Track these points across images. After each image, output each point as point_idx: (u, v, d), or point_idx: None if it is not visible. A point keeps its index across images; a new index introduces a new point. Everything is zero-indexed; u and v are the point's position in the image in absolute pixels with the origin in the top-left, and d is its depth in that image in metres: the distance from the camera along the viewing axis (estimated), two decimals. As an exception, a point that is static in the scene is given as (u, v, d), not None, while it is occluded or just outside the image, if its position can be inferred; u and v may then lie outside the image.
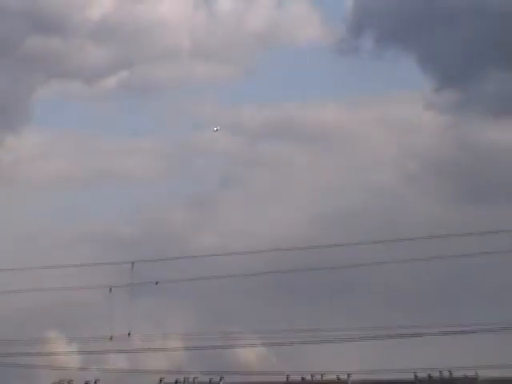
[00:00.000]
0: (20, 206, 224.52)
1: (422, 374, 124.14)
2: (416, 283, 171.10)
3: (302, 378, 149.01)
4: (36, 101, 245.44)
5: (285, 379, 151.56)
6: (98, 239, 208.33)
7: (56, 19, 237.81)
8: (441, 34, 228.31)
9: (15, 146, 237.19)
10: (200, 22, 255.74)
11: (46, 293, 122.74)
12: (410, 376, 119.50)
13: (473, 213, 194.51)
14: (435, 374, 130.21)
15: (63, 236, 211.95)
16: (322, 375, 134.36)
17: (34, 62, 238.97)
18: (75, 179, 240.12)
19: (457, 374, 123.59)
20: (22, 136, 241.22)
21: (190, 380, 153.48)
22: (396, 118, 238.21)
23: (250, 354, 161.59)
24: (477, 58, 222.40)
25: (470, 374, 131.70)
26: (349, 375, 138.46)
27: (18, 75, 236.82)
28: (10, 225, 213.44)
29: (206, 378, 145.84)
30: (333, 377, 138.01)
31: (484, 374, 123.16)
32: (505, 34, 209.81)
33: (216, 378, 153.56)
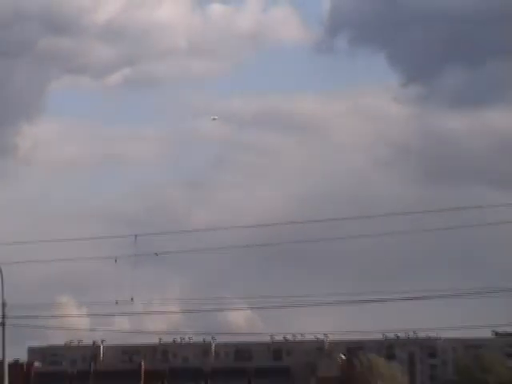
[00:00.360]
0: (36, 185, 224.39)
1: (390, 335, 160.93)
2: (385, 255, 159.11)
3: (285, 338, 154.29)
4: (50, 93, 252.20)
5: (269, 339, 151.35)
6: (105, 215, 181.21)
7: (67, 22, 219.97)
8: (406, 35, 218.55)
9: (31, 133, 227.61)
10: (195, 24, 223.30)
11: (59, 263, 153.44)
12: (380, 336, 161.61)
13: (434, 191, 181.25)
14: (402, 335, 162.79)
15: (74, 212, 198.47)
16: (302, 335, 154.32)
17: (48, 59, 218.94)
18: (85, 162, 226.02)
19: (421, 334, 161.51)
20: (38, 124, 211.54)
21: (186, 340, 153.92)
22: (367, 108, 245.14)
23: (239, 317, 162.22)
24: (437, 56, 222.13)
25: (432, 334, 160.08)
26: (326, 336, 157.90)
27: (34, 71, 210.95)
28: (28, 202, 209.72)
29: (200, 338, 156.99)
30: (311, 337, 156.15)
31: (444, 334, 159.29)
32: (461, 34, 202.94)
33: (208, 338, 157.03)
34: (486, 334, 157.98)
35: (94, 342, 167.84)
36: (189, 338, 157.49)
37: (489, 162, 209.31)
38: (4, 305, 46.82)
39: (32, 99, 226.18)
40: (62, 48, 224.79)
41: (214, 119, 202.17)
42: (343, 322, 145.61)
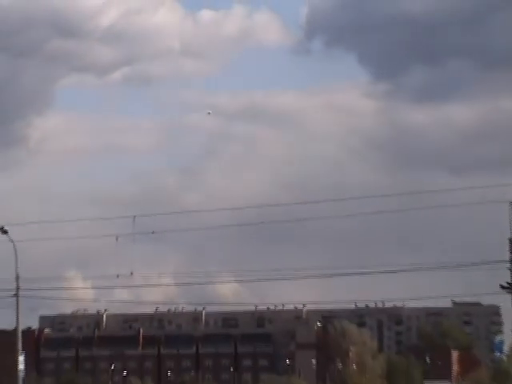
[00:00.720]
0: (46, 172, 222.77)
1: (360, 305, 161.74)
2: (358, 233, 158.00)
3: (267, 308, 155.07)
4: (57, 90, 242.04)
5: (253, 308, 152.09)
6: (106, 198, 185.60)
7: (73, 27, 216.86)
8: (375, 37, 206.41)
9: (41, 126, 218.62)
10: (187, 28, 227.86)
11: (66, 241, 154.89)
12: (352, 306, 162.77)
13: (400, 177, 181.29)
14: (371, 305, 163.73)
15: (79, 195, 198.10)
16: (283, 305, 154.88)
17: (56, 59, 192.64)
18: (89, 151, 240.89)
19: (388, 304, 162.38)
20: (47, 118, 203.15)
21: (179, 309, 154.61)
22: (340, 103, 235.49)
23: (226, 289, 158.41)
24: (402, 56, 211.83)
25: (398, 304, 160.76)
26: (303, 305, 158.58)
27: (43, 70, 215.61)
28: (39, 187, 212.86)
29: (192, 308, 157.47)
30: (291, 307, 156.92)
31: (409, 304, 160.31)
32: (424, 37, 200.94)
33: (199, 308, 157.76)
34: (446, 303, 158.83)
35: (97, 311, 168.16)
36: (182, 307, 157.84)
37: (448, 150, 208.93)
38: (18, 278, 46.73)
39: (41, 95, 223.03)
40: (69, 49, 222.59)
41: (209, 113, 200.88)
42: (319, 293, 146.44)
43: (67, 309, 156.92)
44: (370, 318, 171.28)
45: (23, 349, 49.90)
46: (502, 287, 44.25)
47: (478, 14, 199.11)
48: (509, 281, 43.41)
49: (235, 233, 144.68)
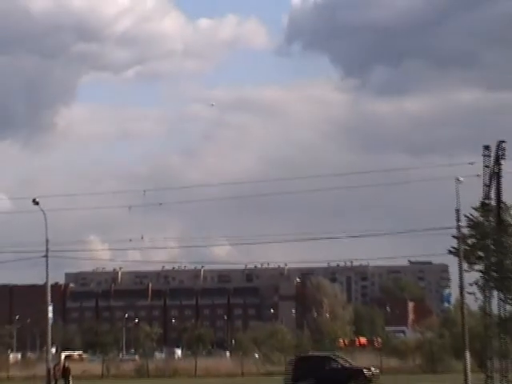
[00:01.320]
0: (71, 153, 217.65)
1: (333, 264, 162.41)
2: (331, 204, 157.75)
3: (255, 266, 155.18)
4: (80, 85, 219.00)
5: (243, 266, 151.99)
6: (121, 175, 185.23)
7: (93, 32, 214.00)
8: (345, 41, 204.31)
9: (67, 115, 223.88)
10: (188, 33, 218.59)
11: (88, 210, 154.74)
12: (325, 265, 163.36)
13: (365, 157, 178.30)
14: (341, 264, 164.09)
15: (99, 172, 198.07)
16: (268, 264, 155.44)
17: (80, 59, 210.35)
18: (106, 136, 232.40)
19: (355, 263, 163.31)
20: (72, 108, 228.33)
21: (182, 267, 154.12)
22: (315, 96, 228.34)
23: (222, 251, 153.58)
24: (368, 56, 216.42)
25: (364, 263, 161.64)
26: (286, 264, 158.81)
27: (68, 68, 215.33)
28: (65, 165, 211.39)
29: (192, 266, 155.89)
30: (275, 265, 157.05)
31: (373, 263, 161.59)
32: (386, 40, 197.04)
33: (199, 266, 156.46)
34: (403, 262, 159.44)
35: (113, 269, 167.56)
36: (184, 266, 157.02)
37: (405, 135, 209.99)
38: (47, 241, 47.13)
39: (67, 89, 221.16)
40: (90, 51, 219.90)
41: (212, 105, 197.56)
42: (299, 253, 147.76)
43: (88, 267, 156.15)
44: (340, 275, 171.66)
45: (52, 301, 50.21)
46: (450, 251, 44.16)
47: (432, 21, 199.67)
48: (455, 244, 43.81)
49: (229, 203, 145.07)
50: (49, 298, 49.29)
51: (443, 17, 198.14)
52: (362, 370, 43.37)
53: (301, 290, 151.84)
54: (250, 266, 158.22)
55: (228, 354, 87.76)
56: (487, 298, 42.67)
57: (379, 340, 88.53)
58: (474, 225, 43.99)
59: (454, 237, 43.54)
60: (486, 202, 40.77)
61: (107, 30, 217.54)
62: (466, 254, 43.58)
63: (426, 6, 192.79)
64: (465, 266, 43.41)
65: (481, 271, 42.90)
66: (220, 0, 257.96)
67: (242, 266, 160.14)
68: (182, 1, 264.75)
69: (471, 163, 40.72)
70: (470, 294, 44.71)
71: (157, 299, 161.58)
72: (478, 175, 40.14)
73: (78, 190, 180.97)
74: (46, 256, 48.48)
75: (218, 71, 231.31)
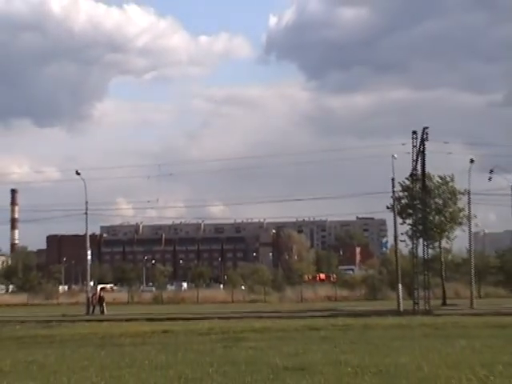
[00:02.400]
0: (104, 137, 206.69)
1: (300, 219, 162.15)
2: (299, 175, 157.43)
3: (242, 221, 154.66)
4: (110, 85, 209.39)
5: (233, 222, 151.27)
6: (142, 153, 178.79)
7: (120, 45, 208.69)
8: (309, 53, 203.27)
9: (100, 108, 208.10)
10: (191, 47, 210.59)
11: (117, 179, 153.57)
12: (294, 220, 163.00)
13: (324, 140, 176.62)
14: (307, 219, 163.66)
15: (125, 151, 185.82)
16: (252, 219, 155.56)
17: (110, 66, 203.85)
18: (130, 124, 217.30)
19: (317, 218, 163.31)
20: (104, 103, 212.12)
21: (187, 222, 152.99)
22: (287, 94, 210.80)
23: (218, 210, 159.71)
24: (325, 64, 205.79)
25: (323, 218, 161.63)
26: (264, 219, 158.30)
27: (101, 73, 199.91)
28: (99, 146, 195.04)
29: (195, 221, 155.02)
30: (257, 220, 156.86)
31: (330, 218, 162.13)
32: (339, 52, 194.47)
33: (200, 221, 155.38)
34: (353, 218, 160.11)
35: (136, 223, 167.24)
36: (189, 220, 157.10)
37: (355, 123, 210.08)
38: (86, 202, 47.77)
39: (100, 88, 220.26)
40: (117, 60, 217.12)
41: (216, 100, 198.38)
42: (275, 211, 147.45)
43: (117, 221, 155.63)
44: (305, 228, 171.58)
45: (90, 247, 50.57)
46: (387, 207, 45.08)
47: (373, 38, 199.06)
48: (389, 204, 44.23)
49: (223, 174, 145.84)
50: (88, 245, 49.46)
51: (382, 34, 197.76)
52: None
53: (276, 239, 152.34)
54: (238, 220, 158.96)
55: (222, 286, 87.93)
56: (414, 245, 43.57)
57: (334, 276, 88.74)
58: (405, 189, 44.76)
59: (391, 197, 44.09)
60: (414, 172, 41.54)
61: (130, 44, 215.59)
62: (399, 211, 44.45)
63: (369, 26, 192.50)
64: (398, 220, 44.21)
65: (410, 224, 44.29)
66: (215, 21, 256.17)
67: (232, 221, 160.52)
68: (186, 22, 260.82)
69: (403, 144, 41.14)
70: (402, 241, 45.51)
71: (168, 246, 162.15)
72: (408, 153, 40.55)
73: (108, 164, 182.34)
74: (86, 213, 48.66)
75: (213, 75, 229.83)
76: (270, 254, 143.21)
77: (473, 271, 43.02)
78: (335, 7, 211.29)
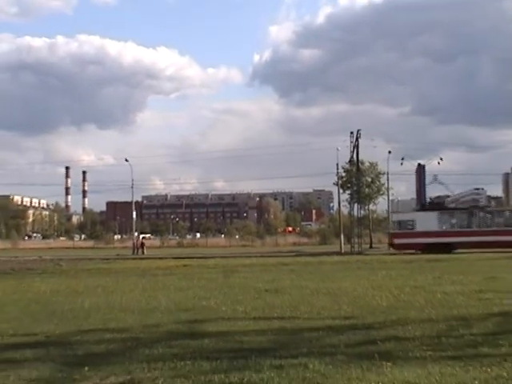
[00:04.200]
0: (144, 135, 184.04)
1: (275, 191, 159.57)
2: (274, 162, 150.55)
3: (236, 192, 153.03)
4: (148, 101, 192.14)
5: (230, 193, 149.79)
6: (169, 145, 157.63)
7: (154, 74, 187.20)
8: (280, 80, 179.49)
9: (141, 116, 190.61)
10: (202, 76, 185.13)
11: (153, 164, 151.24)
12: (271, 191, 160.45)
13: (291, 138, 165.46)
14: (280, 190, 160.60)
15: (158, 145, 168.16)
16: (243, 191, 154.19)
17: (148, 88, 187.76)
18: (161, 126, 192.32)
19: (287, 190, 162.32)
20: (143, 113, 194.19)
21: (200, 193, 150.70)
22: (265, 107, 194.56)
23: (220, 185, 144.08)
24: (291, 87, 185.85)
25: (291, 190, 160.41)
26: (251, 191, 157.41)
27: (142, 93, 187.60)
28: (141, 142, 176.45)
29: (205, 192, 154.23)
30: (246, 192, 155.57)
31: (295, 191, 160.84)
32: (300, 78, 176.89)
33: (208, 192, 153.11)
34: (311, 190, 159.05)
35: (165, 194, 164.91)
36: (200, 192, 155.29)
37: (312, 127, 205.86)
38: (132, 180, 47.94)
39: (142, 103, 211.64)
40: (153, 84, 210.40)
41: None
42: (259, 185, 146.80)
43: (152, 192, 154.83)
44: (279, 196, 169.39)
45: (134, 209, 49.75)
46: (334, 183, 44.63)
47: (323, 67, 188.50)
48: (335, 181, 43.81)
49: (223, 160, 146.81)
50: (133, 208, 49.22)
51: (328, 66, 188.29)
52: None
53: (259, 204, 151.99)
54: (234, 192, 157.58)
55: (223, 236, 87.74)
56: (351, 208, 43.63)
57: (298, 229, 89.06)
58: (346, 171, 43.95)
59: (336, 176, 43.68)
60: (351, 160, 41.38)
61: (161, 73, 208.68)
62: (341, 185, 43.95)
63: (320, 61, 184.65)
64: (341, 191, 44.01)
65: (349, 194, 44.05)
66: (218, 58, 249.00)
67: (229, 192, 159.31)
68: (199, 59, 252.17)
69: (344, 140, 40.98)
70: (343, 206, 45.57)
71: (187, 209, 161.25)
72: (347, 146, 40.29)
73: (146, 153, 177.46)
74: (132, 187, 48.82)
75: (216, 94, 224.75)
76: (255, 214, 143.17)
77: (390, 225, 43.18)
78: (298, 49, 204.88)
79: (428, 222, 32.36)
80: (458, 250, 30.13)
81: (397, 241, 33.12)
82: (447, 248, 30.31)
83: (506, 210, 33.35)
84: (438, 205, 33.63)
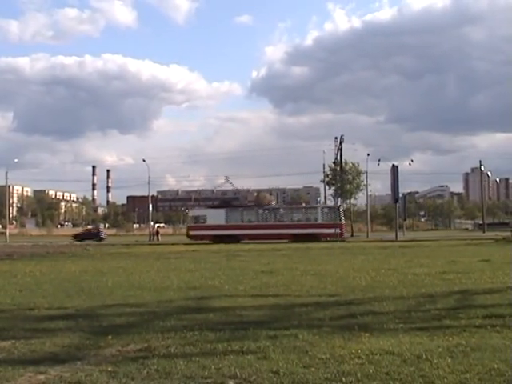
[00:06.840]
0: (159, 139, 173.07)
1: (271, 187, 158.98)
2: (269, 162, 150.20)
3: (237, 188, 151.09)
4: (163, 111, 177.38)
5: (233, 188, 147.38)
6: (180, 148, 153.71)
7: (167, 88, 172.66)
8: (274, 93, 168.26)
9: (157, 123, 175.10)
10: (208, 90, 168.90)
11: (166, 164, 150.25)
12: (268, 188, 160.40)
13: (282, 141, 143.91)
14: (276, 187, 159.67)
15: (173, 147, 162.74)
16: (243, 187, 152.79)
17: (162, 100, 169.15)
18: (175, 132, 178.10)
19: (280, 187, 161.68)
20: (159, 120, 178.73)
21: (207, 188, 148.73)
22: (262, 116, 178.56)
23: (223, 182, 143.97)
24: (283, 99, 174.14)
25: (285, 187, 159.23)
26: (250, 187, 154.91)
27: (157, 104, 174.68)
28: (156, 145, 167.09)
29: (210, 188, 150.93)
30: (247, 188, 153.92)
31: (288, 187, 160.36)
32: (291, 93, 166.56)
33: (213, 188, 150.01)
34: (301, 186, 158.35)
35: (177, 189, 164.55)
36: (207, 188, 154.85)
37: (301, 132, 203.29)
38: (149, 177, 46.86)
39: (157, 112, 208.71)
40: (166, 96, 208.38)
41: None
42: (257, 182, 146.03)
43: (166, 188, 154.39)
44: (273, 192, 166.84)
45: (151, 202, 49.25)
46: (321, 181, 45.23)
47: (311, 83, 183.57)
48: (322, 178, 44.53)
49: (227, 161, 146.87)
50: (149, 201, 48.75)
51: (316, 82, 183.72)
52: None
53: (257, 199, 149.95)
54: (237, 187, 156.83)
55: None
56: (336, 201, 43.48)
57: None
58: (331, 170, 43.98)
59: (323, 174, 44.31)
60: (336, 161, 41.47)
61: (174, 87, 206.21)
62: (327, 182, 44.34)
63: (309, 77, 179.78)
64: (327, 188, 44.64)
65: (334, 190, 43.68)
66: (222, 73, 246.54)
67: (232, 188, 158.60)
68: (205, 75, 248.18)
69: (329, 144, 41.24)
70: (329, 200, 45.66)
71: (196, 202, 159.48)
72: (332, 149, 41.61)
73: (161, 155, 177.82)
74: (148, 183, 47.90)
75: (221, 105, 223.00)
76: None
77: (368, 217, 42.86)
78: (289, 66, 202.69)
79: (217, 217, 32.92)
80: (243, 240, 31.30)
81: (192, 232, 33.58)
82: (234, 239, 31.34)
83: (279, 208, 35.71)
84: (226, 203, 36.92)
